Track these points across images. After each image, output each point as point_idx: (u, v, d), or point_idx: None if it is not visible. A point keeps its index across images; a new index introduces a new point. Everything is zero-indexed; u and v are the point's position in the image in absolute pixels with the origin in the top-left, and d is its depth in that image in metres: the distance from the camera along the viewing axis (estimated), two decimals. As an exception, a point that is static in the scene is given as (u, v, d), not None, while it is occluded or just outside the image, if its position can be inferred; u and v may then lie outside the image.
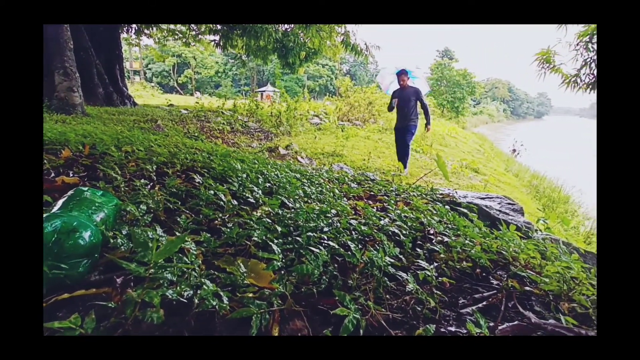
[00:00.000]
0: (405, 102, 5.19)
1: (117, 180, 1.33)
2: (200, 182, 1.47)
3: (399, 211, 1.47)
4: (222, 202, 1.24)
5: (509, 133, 25.73)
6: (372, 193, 2.05)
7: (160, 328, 0.66)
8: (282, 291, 0.76)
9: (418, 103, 5.20)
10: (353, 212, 1.47)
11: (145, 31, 10.17)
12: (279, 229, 1.05)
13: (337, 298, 0.75)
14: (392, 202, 1.77)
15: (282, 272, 0.84)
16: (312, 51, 8.23)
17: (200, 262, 0.84)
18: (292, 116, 8.84)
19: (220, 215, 1.19)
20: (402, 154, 5.30)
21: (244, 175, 1.64)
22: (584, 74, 3.76)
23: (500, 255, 1.21)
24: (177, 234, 1.01)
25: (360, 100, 12.35)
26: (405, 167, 5.22)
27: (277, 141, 6.76)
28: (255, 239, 0.98)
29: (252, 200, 1.37)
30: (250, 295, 0.74)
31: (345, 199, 1.76)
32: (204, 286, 0.70)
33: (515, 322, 0.79)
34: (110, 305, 0.63)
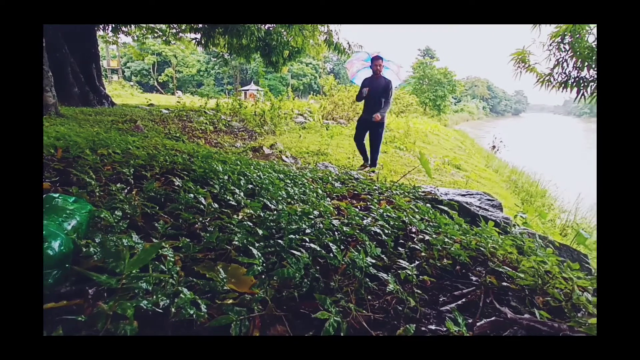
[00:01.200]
0: (378, 92, 4.57)
1: (91, 185, 1.29)
2: (180, 185, 1.44)
3: (381, 210, 1.49)
4: (202, 206, 1.22)
5: (489, 130, 26.44)
6: (355, 192, 2.06)
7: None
8: (262, 296, 0.76)
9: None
10: (336, 212, 1.48)
11: (123, 29, 9.87)
12: (261, 232, 1.04)
13: (318, 301, 0.75)
14: (375, 201, 1.78)
15: (263, 276, 0.83)
16: (296, 50, 8.19)
17: (178, 269, 0.82)
18: (276, 115, 8.78)
19: (201, 219, 1.17)
20: (373, 149, 4.72)
21: (226, 177, 1.62)
22: (556, 73, 3.89)
23: (479, 252, 1.24)
24: (155, 240, 0.99)
25: (345, 99, 12.40)
26: (375, 164, 4.72)
27: (261, 140, 6.70)
28: (236, 243, 0.97)
29: (233, 203, 1.35)
30: (230, 301, 0.73)
31: (328, 198, 1.76)
32: (181, 294, 0.69)
33: (493, 318, 0.81)
34: (80, 319, 0.60)
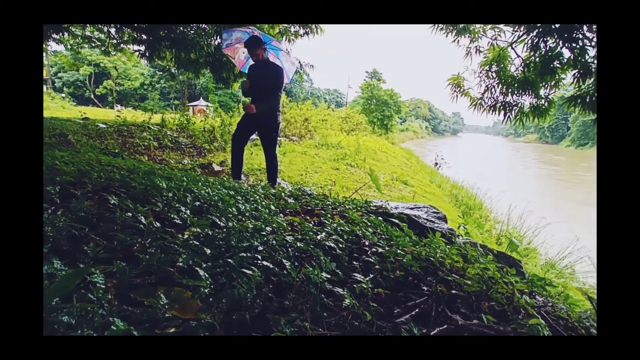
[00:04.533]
0: (265, 81, 3.41)
1: (4, 205, 1.11)
2: (116, 203, 1.30)
3: (335, 225, 1.48)
4: (142, 225, 1.10)
5: (432, 148, 28.52)
6: (309, 208, 2.04)
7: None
8: (210, 321, 0.69)
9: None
10: (290, 228, 1.44)
11: (54, 35, 9.03)
12: (209, 251, 0.97)
13: (271, 322, 0.70)
14: (329, 216, 1.78)
15: (211, 299, 0.76)
16: (247, 67, 8.16)
17: (111, 296, 0.72)
18: (227, 131, 8.55)
19: (140, 240, 1.06)
20: (266, 159, 3.65)
21: (170, 194, 1.50)
22: (486, 98, 4.34)
23: (429, 262, 1.28)
24: (83, 265, 0.86)
25: (297, 117, 12.54)
26: (273, 182, 3.62)
27: (210, 157, 6.45)
28: (181, 264, 0.89)
29: (178, 222, 1.25)
30: (172, 330, 0.65)
31: (281, 214, 1.71)
32: (113, 326, 0.60)
33: (445, 326, 0.82)
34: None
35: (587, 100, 3.45)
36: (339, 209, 2.03)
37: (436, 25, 3.94)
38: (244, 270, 0.86)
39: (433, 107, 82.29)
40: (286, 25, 6.63)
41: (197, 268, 0.83)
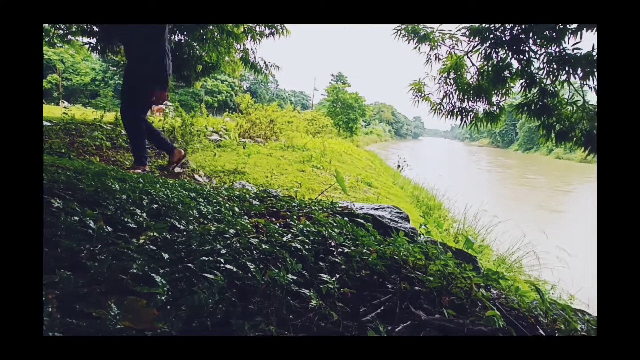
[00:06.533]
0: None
1: None
2: (61, 207, 1.18)
3: (301, 226, 1.47)
4: (90, 230, 1.01)
5: (394, 151, 29.49)
6: (274, 209, 2.01)
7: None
8: (167, 330, 0.65)
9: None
10: (254, 230, 1.40)
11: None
12: (166, 256, 0.91)
13: (235, 328, 0.67)
14: (295, 217, 1.76)
15: (169, 307, 0.71)
16: (210, 65, 7.89)
17: (51, 310, 0.65)
18: (188, 132, 8.21)
19: (88, 246, 0.97)
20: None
21: (124, 197, 1.40)
22: (445, 103, 4.56)
23: (393, 260, 1.31)
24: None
25: (262, 118, 12.36)
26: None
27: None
28: (135, 270, 0.82)
29: (133, 226, 1.17)
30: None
31: (246, 217, 1.67)
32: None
33: (409, 322, 0.84)
34: None
35: (533, 107, 3.75)
36: (305, 210, 2.02)
37: (399, 31, 4.08)
38: (206, 274, 0.82)
39: (396, 111, 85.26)
40: (251, 24, 6.52)
41: (153, 274, 0.78)
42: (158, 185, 1.85)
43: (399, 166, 15.10)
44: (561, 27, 3.26)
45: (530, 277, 5.22)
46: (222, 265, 0.91)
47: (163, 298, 0.71)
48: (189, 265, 0.88)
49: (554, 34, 3.34)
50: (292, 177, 6.22)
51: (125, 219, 1.20)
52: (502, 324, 0.80)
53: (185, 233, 1.14)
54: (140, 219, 1.21)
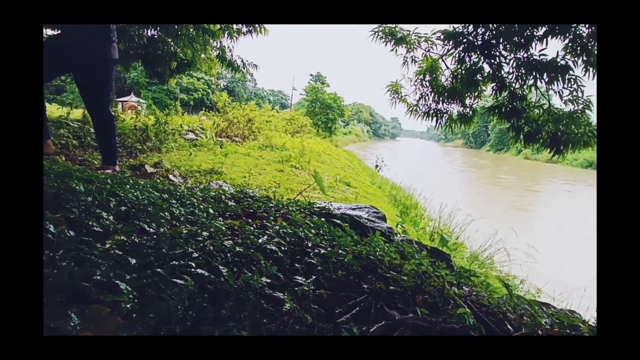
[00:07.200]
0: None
1: None
2: (18, 210, 1.11)
3: (277, 227, 1.45)
4: (50, 235, 0.95)
5: (373, 151, 29.87)
6: (251, 210, 1.97)
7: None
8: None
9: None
10: (229, 233, 1.37)
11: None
12: (134, 261, 0.87)
13: (205, 334, 0.65)
14: (272, 218, 1.74)
15: (134, 315, 0.68)
16: (185, 62, 7.67)
17: (3, 322, 0.60)
18: (162, 130, 7.94)
19: (48, 252, 0.91)
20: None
21: (90, 199, 1.33)
22: (421, 105, 4.67)
23: (369, 260, 1.32)
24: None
25: (240, 117, 12.16)
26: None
27: (143, 158, 5.93)
28: (98, 277, 0.78)
29: (98, 230, 1.11)
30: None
31: (221, 218, 1.63)
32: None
33: (383, 322, 0.85)
34: None
35: (503, 110, 3.91)
36: (282, 211, 2.00)
37: (376, 33, 4.13)
38: (175, 280, 0.79)
39: (374, 112, 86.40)
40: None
41: (117, 281, 0.74)
42: (128, 187, 1.77)
43: (377, 166, 15.31)
44: (529, 33, 3.41)
45: (501, 272, 5.44)
46: (193, 269, 0.88)
47: (128, 306, 0.67)
48: (158, 270, 0.85)
49: (522, 40, 3.50)
50: (271, 177, 6.16)
51: (90, 223, 1.13)
52: (472, 321, 0.82)
53: (155, 236, 1.10)
54: (107, 222, 1.15)
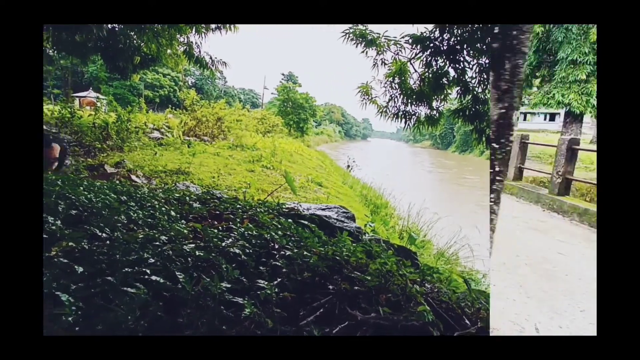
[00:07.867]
0: None
1: None
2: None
3: (243, 229, 1.42)
4: (-15, 243, 0.87)
5: (344, 152, 30.12)
6: (217, 212, 1.92)
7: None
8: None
9: None
10: (192, 236, 1.32)
11: None
12: (81, 269, 0.81)
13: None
14: (238, 220, 1.70)
15: (77, 328, 0.63)
16: (150, 57, 7.33)
17: None
18: (124, 128, 7.55)
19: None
20: None
21: (35, 202, 1.23)
22: (391, 106, 4.77)
23: (335, 261, 1.32)
24: None
25: (209, 115, 11.83)
26: None
27: (102, 157, 5.60)
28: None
29: (44, 236, 1.02)
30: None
31: (184, 221, 1.57)
32: None
33: (346, 323, 0.85)
34: None
35: (467, 113, 4.09)
36: (250, 213, 1.96)
37: (347, 35, 4.17)
38: (127, 288, 0.75)
39: (346, 113, 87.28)
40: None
41: (58, 293, 0.68)
42: (81, 188, 1.66)
43: (348, 166, 15.47)
44: (489, 40, 3.59)
45: (465, 267, 5.68)
46: (148, 276, 0.84)
47: (70, 319, 0.62)
48: (109, 278, 0.79)
49: (484, 46, 3.68)
50: (241, 178, 6.04)
51: (34, 228, 1.04)
52: (431, 318, 0.85)
53: (108, 242, 1.03)
54: (54, 227, 1.07)
